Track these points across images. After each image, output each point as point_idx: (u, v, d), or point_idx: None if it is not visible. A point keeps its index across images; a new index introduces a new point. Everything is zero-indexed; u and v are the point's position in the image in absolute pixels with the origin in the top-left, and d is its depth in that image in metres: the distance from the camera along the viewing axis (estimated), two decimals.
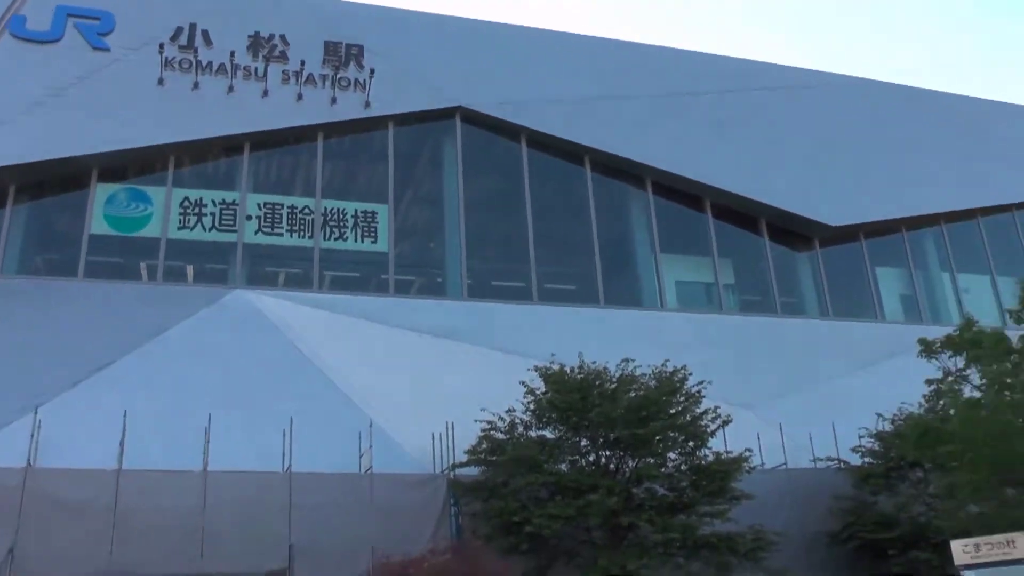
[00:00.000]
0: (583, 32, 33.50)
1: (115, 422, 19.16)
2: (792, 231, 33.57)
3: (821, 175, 34.20)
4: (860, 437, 25.13)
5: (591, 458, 21.18)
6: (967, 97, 41.26)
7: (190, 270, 27.17)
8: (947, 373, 21.59)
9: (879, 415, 25.04)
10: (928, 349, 21.96)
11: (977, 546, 16.03)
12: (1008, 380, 20.02)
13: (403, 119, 29.47)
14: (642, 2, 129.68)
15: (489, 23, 32.95)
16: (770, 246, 32.93)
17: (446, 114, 29.95)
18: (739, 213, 32.76)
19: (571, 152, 30.98)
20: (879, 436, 24.76)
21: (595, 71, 32.53)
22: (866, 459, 24.81)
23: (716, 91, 34.12)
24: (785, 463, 25.19)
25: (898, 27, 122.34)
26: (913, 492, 24.17)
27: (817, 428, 25.98)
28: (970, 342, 21.15)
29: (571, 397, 20.81)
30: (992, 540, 15.95)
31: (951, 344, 21.69)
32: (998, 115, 41.14)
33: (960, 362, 21.61)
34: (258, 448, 20.40)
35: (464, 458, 21.23)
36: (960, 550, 16.21)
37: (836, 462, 25.12)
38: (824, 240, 33.89)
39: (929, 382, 21.87)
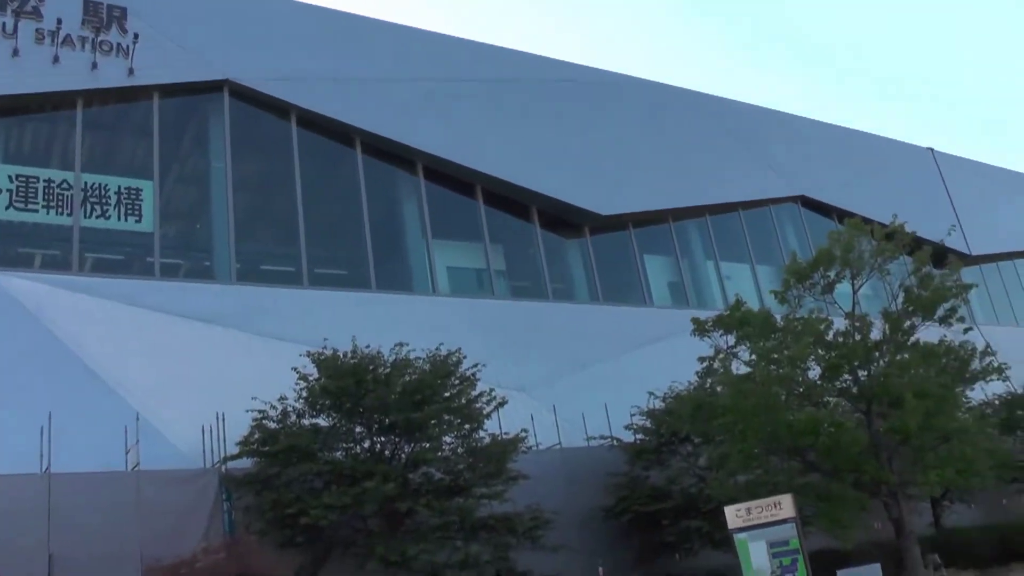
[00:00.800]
0: (359, 12, 32.54)
1: None
2: (563, 219, 34.14)
3: (592, 166, 34.94)
4: (632, 415, 25.92)
5: (366, 445, 20.80)
6: (731, 100, 43.59)
7: None
8: (718, 351, 22.44)
9: (651, 393, 25.90)
10: (700, 328, 22.82)
11: (748, 510, 16.84)
12: (775, 356, 21.20)
13: (169, 90, 27.73)
14: None
15: None
16: (541, 233, 33.33)
17: (214, 87, 28.39)
18: (511, 200, 32.96)
19: (342, 133, 30.18)
20: (651, 414, 25.64)
21: (369, 52, 31.81)
22: (638, 436, 25.71)
23: (491, 80, 34.18)
24: (560, 443, 25.66)
25: (673, 34, 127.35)
26: (684, 465, 25.23)
27: (590, 408, 26.56)
28: (740, 321, 22.19)
29: (345, 382, 20.26)
30: (762, 503, 16.83)
31: (722, 323, 22.64)
32: (759, 119, 43.79)
33: (731, 340, 22.57)
34: (11, 449, 18.69)
35: (236, 450, 20.32)
36: (733, 514, 16.95)
37: (609, 440, 25.81)
38: (594, 228, 34.65)
39: (701, 359, 22.62)
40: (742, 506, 17.13)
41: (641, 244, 35.87)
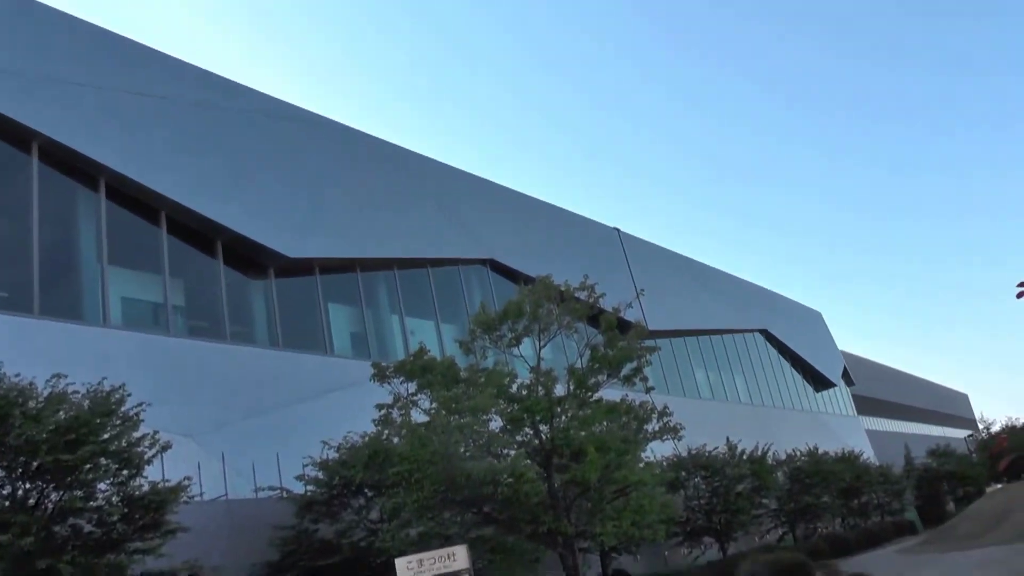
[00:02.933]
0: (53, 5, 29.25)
1: None
2: (249, 258, 32.45)
3: (285, 207, 33.67)
4: (304, 466, 24.77)
5: (7, 491, 18.23)
6: (430, 159, 43.85)
7: None
8: (398, 398, 21.95)
9: (325, 443, 24.89)
10: (381, 373, 22.38)
11: (420, 561, 16.28)
12: (456, 405, 20.86)
13: None
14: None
15: None
16: (225, 271, 31.36)
17: None
18: (196, 232, 30.90)
19: (17, 135, 26.78)
20: (323, 465, 24.57)
21: (61, 50, 28.80)
22: (309, 487, 24.58)
23: (190, 102, 32.14)
24: (226, 494, 24.26)
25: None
26: (355, 519, 24.33)
27: (261, 458, 25.40)
28: (422, 368, 21.86)
29: None
30: (435, 554, 16.34)
31: (403, 369, 22.31)
32: (455, 181, 44.47)
33: (412, 388, 22.18)
34: None
35: None
36: (404, 567, 16.32)
37: (279, 491, 24.65)
38: (280, 270, 33.21)
39: (380, 406, 22.06)
40: (414, 557, 16.59)
41: (327, 291, 34.84)
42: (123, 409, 19.57)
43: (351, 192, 37.13)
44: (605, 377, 23.25)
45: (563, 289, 23.58)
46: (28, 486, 18.42)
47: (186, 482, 20.18)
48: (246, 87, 35.59)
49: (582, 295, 23.83)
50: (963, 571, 28.67)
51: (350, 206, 36.65)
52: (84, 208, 28.61)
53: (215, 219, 30.75)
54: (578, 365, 23.41)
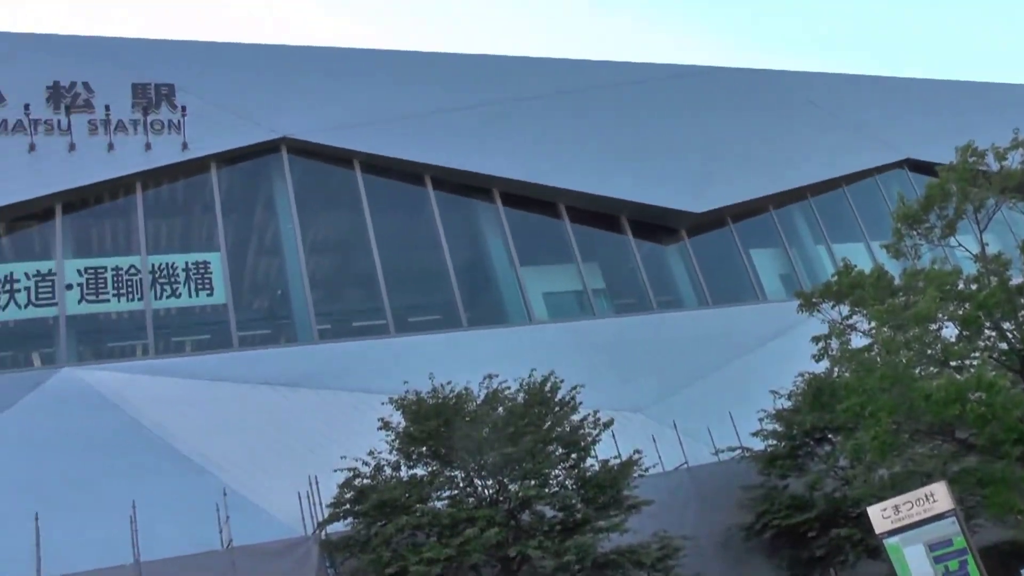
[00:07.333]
0: (403, 48, 31.29)
1: None
2: (657, 224, 32.01)
3: (677, 165, 32.84)
4: (760, 420, 23.68)
5: (469, 489, 19.20)
6: (810, 72, 41.20)
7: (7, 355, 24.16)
8: (832, 325, 19.92)
9: (774, 392, 23.60)
10: (806, 301, 20.56)
11: (896, 508, 14.27)
12: (894, 317, 18.38)
13: (225, 158, 26.88)
14: (453, 13, 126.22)
15: (303, 47, 30.99)
16: (636, 243, 31.20)
17: (270, 148, 27.47)
18: (599, 214, 31.06)
19: (410, 172, 28.82)
20: (779, 416, 23.36)
21: (424, 87, 30.50)
22: (769, 442, 23.38)
23: (551, 94, 32.45)
24: (686, 462, 23.86)
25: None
26: (823, 468, 22.73)
27: (715, 420, 24.64)
28: (849, 286, 19.69)
29: (429, 425, 18.87)
30: (911, 498, 14.19)
31: (829, 292, 20.28)
32: (846, 87, 41.11)
33: (844, 311, 20.15)
34: (100, 541, 17.84)
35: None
36: (879, 515, 14.46)
37: (738, 451, 23.76)
38: (691, 229, 32.42)
39: (816, 339, 19.98)
40: (888, 504, 14.55)
41: (744, 238, 33.47)
42: (559, 395, 19.71)
43: (740, 131, 35.38)
44: None
45: (995, 150, 20.07)
46: (489, 482, 19.20)
47: (636, 455, 19.95)
48: (595, 61, 35.69)
49: (1016, 156, 20.03)
50: None
51: (744, 145, 34.94)
52: (486, 220, 29.84)
53: (614, 195, 30.76)
54: None
